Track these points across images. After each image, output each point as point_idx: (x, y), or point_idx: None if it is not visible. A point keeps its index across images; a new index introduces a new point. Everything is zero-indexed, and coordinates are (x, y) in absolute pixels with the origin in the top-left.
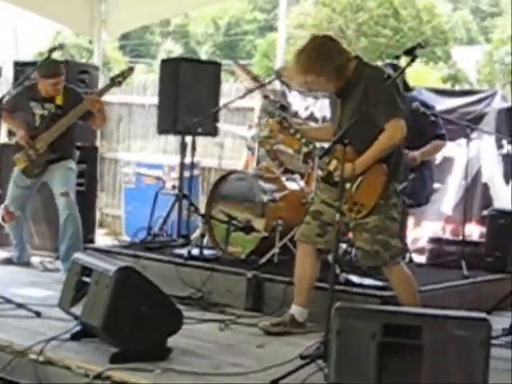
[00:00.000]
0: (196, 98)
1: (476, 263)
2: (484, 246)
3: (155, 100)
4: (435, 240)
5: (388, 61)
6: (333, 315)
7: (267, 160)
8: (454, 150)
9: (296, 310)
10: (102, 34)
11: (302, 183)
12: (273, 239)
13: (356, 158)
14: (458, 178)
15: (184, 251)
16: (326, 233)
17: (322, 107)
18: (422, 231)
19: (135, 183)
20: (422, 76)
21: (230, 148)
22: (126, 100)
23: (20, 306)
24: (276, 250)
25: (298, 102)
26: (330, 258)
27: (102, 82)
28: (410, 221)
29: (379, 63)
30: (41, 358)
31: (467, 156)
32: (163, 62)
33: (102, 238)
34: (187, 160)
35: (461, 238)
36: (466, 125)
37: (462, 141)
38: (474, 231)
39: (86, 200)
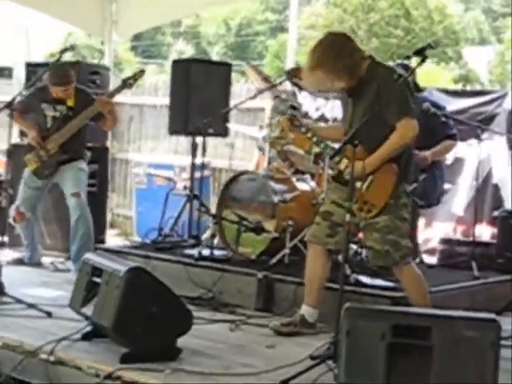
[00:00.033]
0: (207, 99)
1: (487, 264)
2: (495, 247)
3: (166, 101)
4: (446, 241)
5: (399, 61)
6: (342, 316)
7: (278, 161)
8: (465, 151)
9: (306, 311)
10: (112, 35)
11: (312, 184)
12: (283, 240)
13: (367, 158)
14: (468, 178)
15: (195, 252)
16: (337, 233)
17: (332, 108)
18: (433, 232)
19: (146, 184)
20: (433, 77)
21: (241, 148)
22: (137, 101)
23: (31, 306)
24: (286, 251)
25: (309, 103)
26: (341, 258)
27: (113, 82)
28: (421, 221)
29: (390, 64)
30: (51, 358)
31: (478, 157)
32: (174, 62)
33: (112, 239)
34: (198, 161)
35: (471, 238)
36: (476, 125)
37: (473, 141)
38: (485, 232)
39: (97, 200)
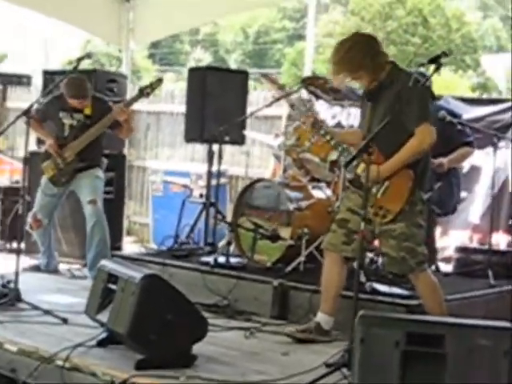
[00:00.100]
0: (223, 107)
1: (503, 272)
2: (511, 256)
3: (183, 108)
4: (462, 249)
5: (414, 69)
6: (356, 323)
7: (293, 168)
8: (482, 159)
9: (322, 318)
10: (129, 43)
11: (328, 192)
12: (299, 247)
13: (384, 163)
14: (485, 186)
15: (210, 259)
16: (353, 241)
17: (348, 115)
18: (449, 240)
19: (163, 191)
20: (451, 85)
21: (258, 156)
22: (154, 108)
23: (47, 312)
24: (302, 259)
25: (325, 111)
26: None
27: (131, 90)
28: (437, 230)
29: None
30: (67, 365)
31: (494, 165)
32: (190, 70)
33: (129, 246)
34: (214, 168)
35: (488, 247)
36: (493, 134)
37: (490, 150)
38: (502, 240)
39: (114, 208)
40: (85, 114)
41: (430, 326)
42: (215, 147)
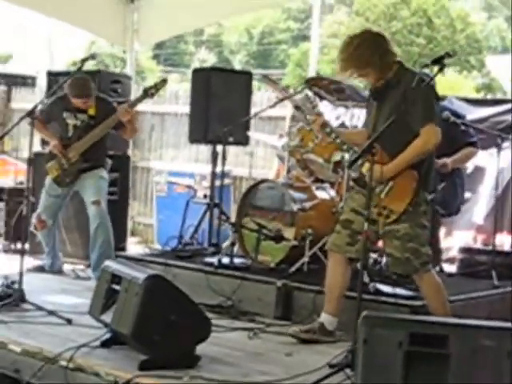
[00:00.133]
0: (227, 108)
1: (507, 273)
2: None
3: (187, 109)
4: (466, 250)
5: (418, 70)
6: (360, 324)
7: (297, 169)
8: (486, 160)
9: (326, 319)
10: (134, 44)
11: (332, 192)
12: (303, 248)
13: (389, 163)
14: (489, 187)
15: (214, 260)
16: (357, 241)
17: (352, 116)
18: (453, 241)
19: (167, 192)
20: (455, 86)
21: (262, 157)
22: (159, 109)
23: (51, 313)
24: (306, 259)
25: (329, 112)
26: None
27: (135, 91)
28: (441, 230)
29: None
30: (71, 365)
31: (497, 165)
32: (194, 71)
33: (133, 247)
34: (218, 169)
35: (492, 247)
36: (497, 134)
37: (494, 150)
38: (506, 241)
39: (118, 209)
40: (89, 115)
41: (434, 327)
42: (219, 148)
